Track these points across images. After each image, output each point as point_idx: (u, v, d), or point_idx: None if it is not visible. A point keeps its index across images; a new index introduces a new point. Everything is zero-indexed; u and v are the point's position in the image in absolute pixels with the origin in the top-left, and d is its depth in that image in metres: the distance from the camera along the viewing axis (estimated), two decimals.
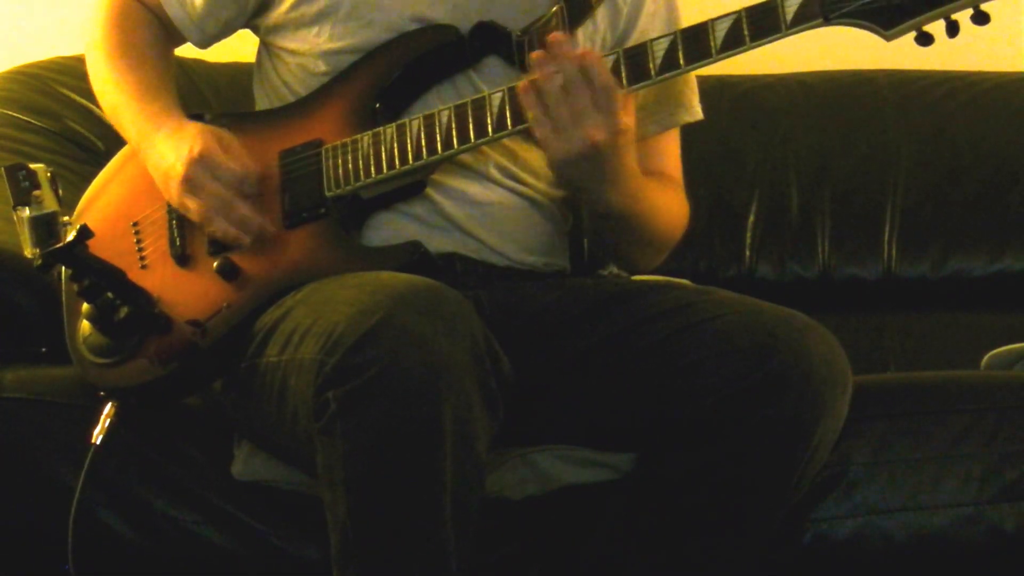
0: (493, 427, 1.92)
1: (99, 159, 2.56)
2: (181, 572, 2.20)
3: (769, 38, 1.95)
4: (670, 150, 2.28)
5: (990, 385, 2.27)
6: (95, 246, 2.06)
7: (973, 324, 2.76)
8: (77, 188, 2.36)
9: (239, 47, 2.46)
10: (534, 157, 2.19)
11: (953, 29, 1.90)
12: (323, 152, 2.14)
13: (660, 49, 2.00)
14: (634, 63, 2.01)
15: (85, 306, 2.12)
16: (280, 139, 2.18)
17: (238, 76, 2.79)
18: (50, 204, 2.08)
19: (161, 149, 2.14)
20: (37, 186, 2.09)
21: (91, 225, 2.06)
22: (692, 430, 2.00)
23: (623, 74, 2.01)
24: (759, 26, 1.95)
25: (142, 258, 2.19)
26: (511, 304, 2.12)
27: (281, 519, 2.16)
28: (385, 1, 2.17)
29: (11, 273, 2.30)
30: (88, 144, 2.73)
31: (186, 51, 2.36)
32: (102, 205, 2.27)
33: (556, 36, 2.01)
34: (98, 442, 2.12)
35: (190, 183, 2.10)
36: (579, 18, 2.15)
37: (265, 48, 2.29)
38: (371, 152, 2.10)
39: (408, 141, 2.09)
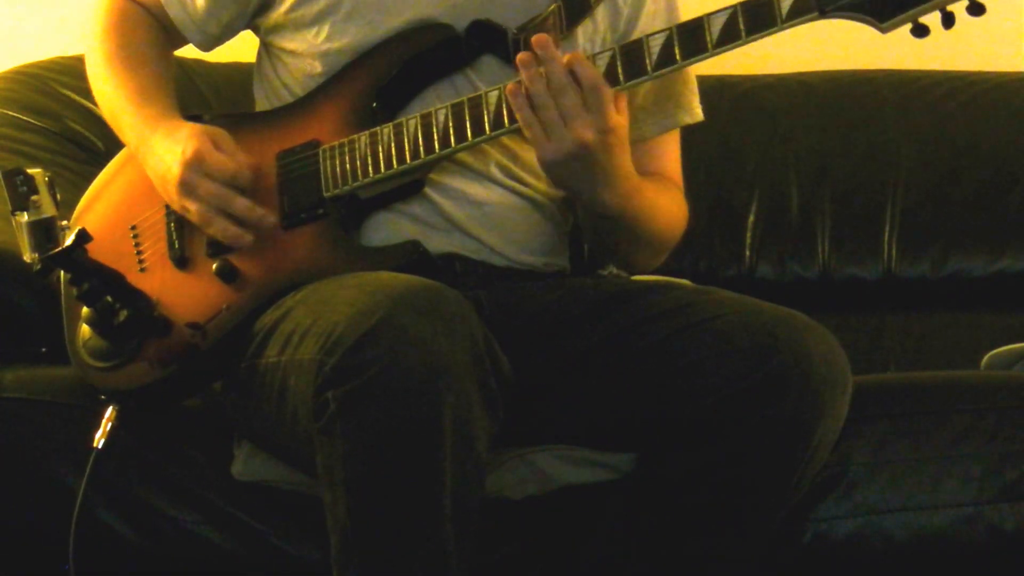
0: (493, 427, 1.92)
1: (99, 159, 2.55)
2: (181, 572, 2.20)
3: (765, 32, 1.95)
4: (670, 151, 2.27)
5: (990, 385, 2.27)
6: (94, 249, 2.07)
7: (973, 324, 2.76)
8: (77, 188, 2.37)
9: (239, 47, 2.45)
10: (534, 157, 2.18)
11: (949, 21, 1.89)
12: (321, 152, 2.14)
13: (656, 44, 1.99)
14: (630, 59, 2.00)
15: (84, 310, 2.12)
16: (278, 140, 2.18)
17: (238, 76, 2.78)
18: (48, 209, 2.09)
19: (158, 152, 2.14)
20: (35, 191, 2.08)
21: (89, 229, 2.07)
22: (692, 430, 2.00)
23: (619, 70, 2.00)
24: (755, 20, 1.94)
25: (141, 261, 2.19)
26: (511, 304, 2.12)
27: (281, 519, 2.16)
28: (385, 2, 2.17)
29: (11, 273, 2.30)
30: (88, 144, 2.72)
31: (186, 51, 2.35)
32: (100, 208, 2.27)
33: (541, 37, 2.00)
34: (100, 446, 2.12)
35: (186, 186, 2.09)
36: (577, 17, 2.15)
37: (265, 49, 2.29)
38: (368, 152, 2.10)
39: (405, 140, 2.08)
